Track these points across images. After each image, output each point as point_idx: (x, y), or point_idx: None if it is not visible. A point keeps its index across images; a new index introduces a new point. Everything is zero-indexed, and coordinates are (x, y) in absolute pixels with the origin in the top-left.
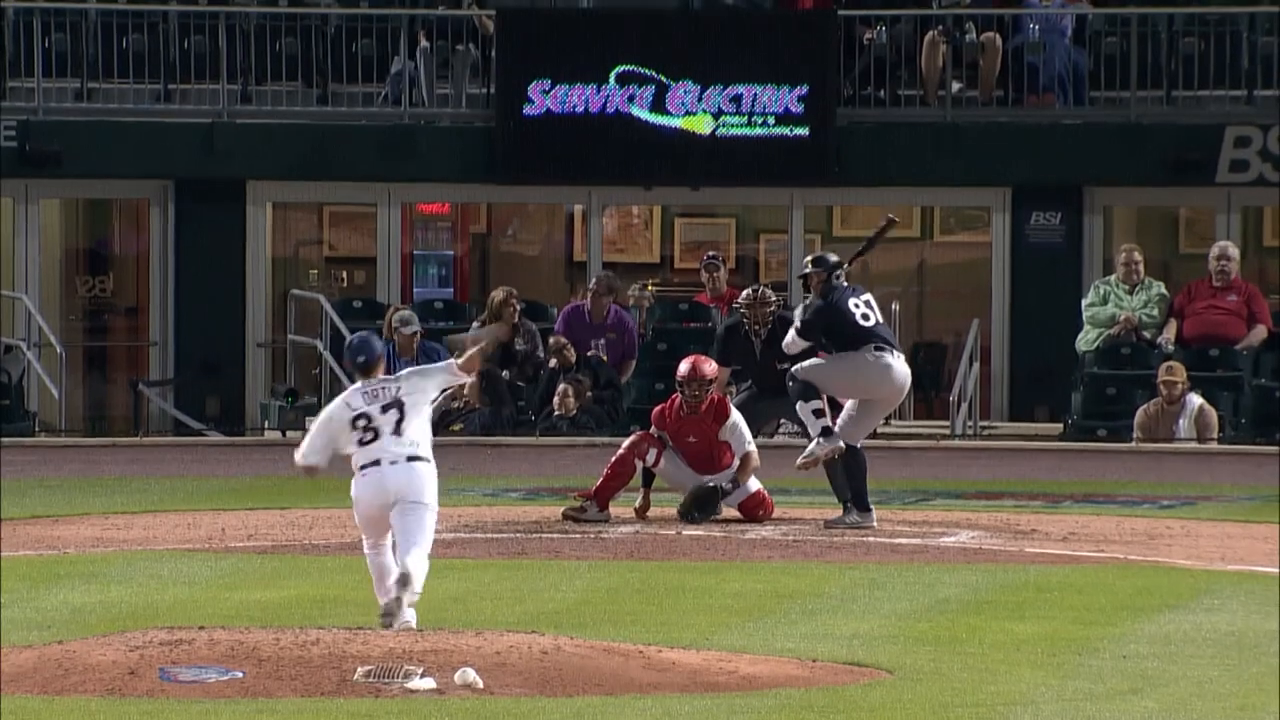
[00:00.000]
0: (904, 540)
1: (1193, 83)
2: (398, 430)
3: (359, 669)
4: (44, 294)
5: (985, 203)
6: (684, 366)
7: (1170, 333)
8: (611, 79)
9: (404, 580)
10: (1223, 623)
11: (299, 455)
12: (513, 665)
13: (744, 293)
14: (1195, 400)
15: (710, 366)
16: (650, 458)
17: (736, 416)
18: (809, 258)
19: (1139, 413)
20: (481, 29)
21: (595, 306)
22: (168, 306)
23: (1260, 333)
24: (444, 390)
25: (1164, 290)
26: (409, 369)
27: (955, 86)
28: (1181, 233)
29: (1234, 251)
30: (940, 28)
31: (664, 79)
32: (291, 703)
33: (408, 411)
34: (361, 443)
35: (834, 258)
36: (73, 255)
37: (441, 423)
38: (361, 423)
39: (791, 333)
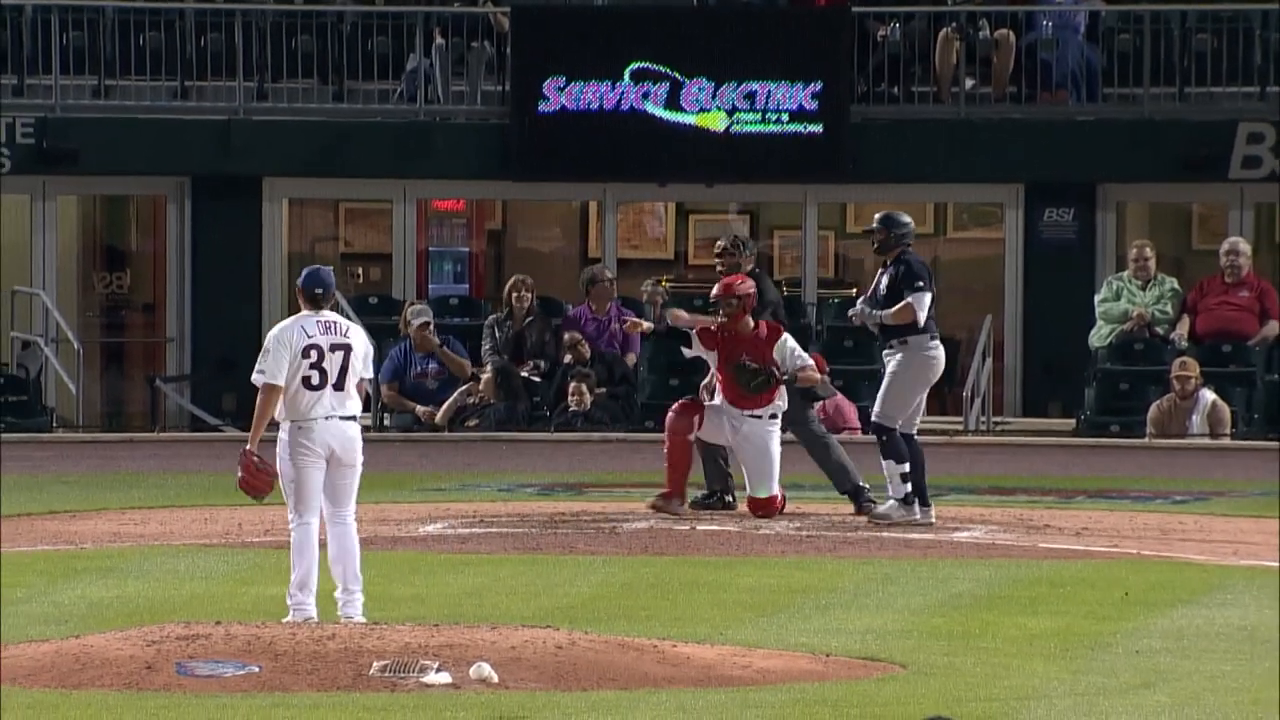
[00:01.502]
0: (917, 535)
1: (1205, 79)
2: (340, 384)
3: (375, 663)
4: (61, 290)
5: (998, 199)
6: (716, 288)
7: (1183, 329)
8: (626, 76)
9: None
10: (1235, 618)
11: (258, 377)
12: (527, 660)
13: (718, 242)
14: (1208, 396)
15: (745, 285)
16: (695, 425)
17: (789, 338)
18: (879, 215)
19: (1152, 408)
20: (496, 26)
21: (595, 303)
22: (184, 302)
23: (1273, 328)
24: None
25: (1177, 286)
26: (355, 326)
27: (969, 83)
28: (1194, 229)
29: (1245, 247)
30: (954, 25)
31: (678, 76)
32: (308, 697)
33: (352, 362)
34: (307, 385)
35: (904, 217)
36: (90, 251)
37: (457, 419)
38: (313, 355)
39: (922, 297)
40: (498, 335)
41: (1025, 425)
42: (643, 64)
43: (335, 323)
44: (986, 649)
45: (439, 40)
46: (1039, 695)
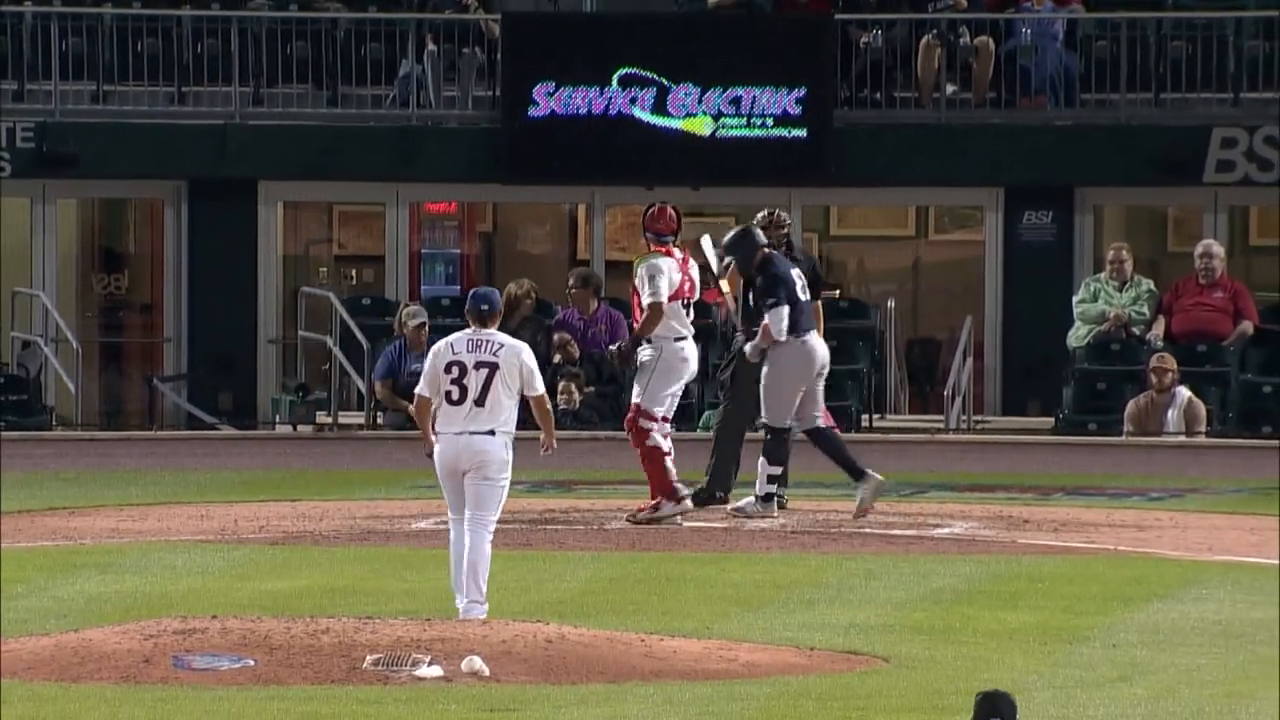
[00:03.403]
0: (899, 531)
1: (1180, 85)
2: (482, 401)
3: (368, 657)
4: (61, 291)
5: (978, 202)
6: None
7: (1159, 329)
8: (614, 81)
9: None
10: (1210, 612)
11: (417, 389)
12: (518, 653)
13: (759, 214)
14: (1184, 393)
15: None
16: (653, 427)
17: (655, 258)
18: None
19: (1130, 405)
20: (487, 33)
21: (579, 304)
22: (181, 303)
23: (1246, 328)
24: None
25: (1153, 287)
26: (516, 346)
27: (949, 89)
28: (1170, 231)
29: (1218, 249)
30: (935, 32)
31: (665, 81)
32: (302, 690)
33: (496, 381)
34: (449, 400)
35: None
36: (89, 253)
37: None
38: (454, 371)
39: (777, 313)
40: None
41: (1005, 424)
42: (630, 70)
43: (487, 342)
44: (966, 643)
45: (431, 46)
46: (1018, 688)
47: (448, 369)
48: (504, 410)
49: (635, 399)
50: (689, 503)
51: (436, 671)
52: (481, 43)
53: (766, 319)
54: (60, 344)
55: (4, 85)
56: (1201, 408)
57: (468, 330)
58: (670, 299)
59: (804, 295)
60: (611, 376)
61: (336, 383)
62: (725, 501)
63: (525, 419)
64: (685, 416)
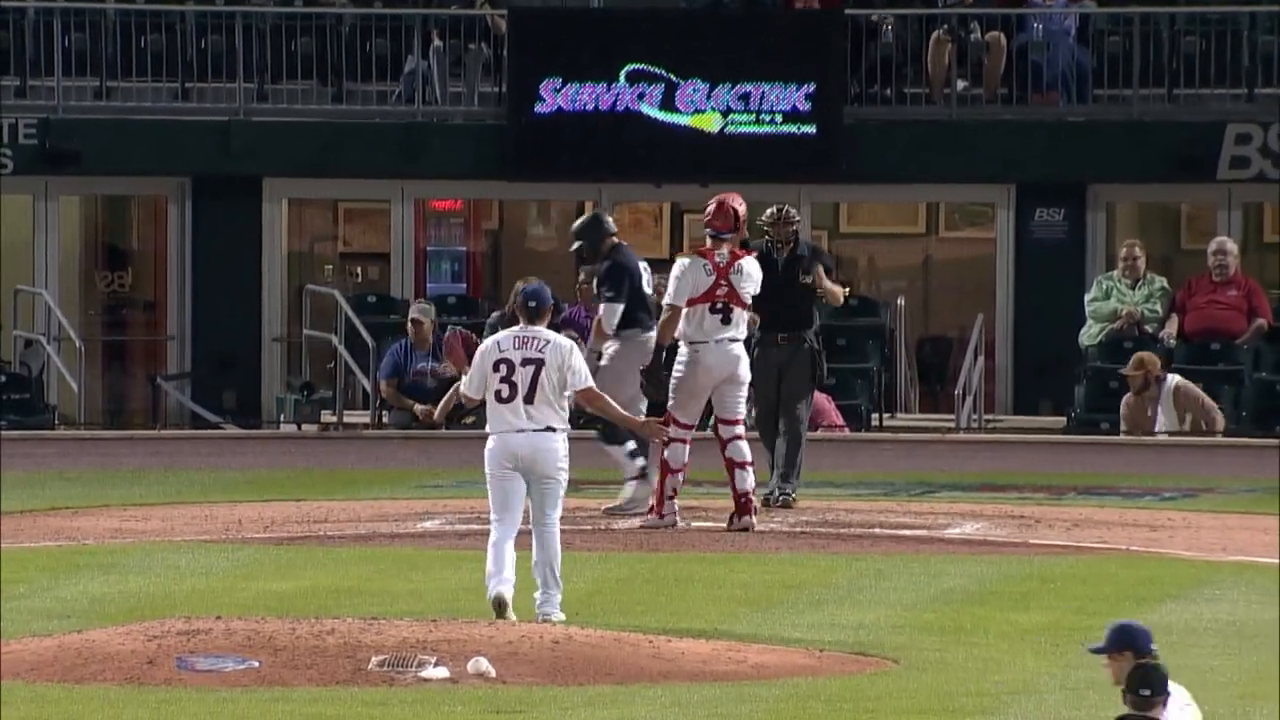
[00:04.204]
0: (909, 531)
1: (1194, 81)
2: (531, 398)
3: (373, 658)
4: (63, 289)
5: (990, 199)
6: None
7: (1172, 327)
8: (621, 77)
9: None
10: (1223, 612)
11: (462, 387)
12: (524, 654)
13: (768, 210)
14: (1171, 382)
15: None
16: (675, 434)
17: (680, 260)
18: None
19: (1122, 404)
20: (493, 28)
21: (590, 300)
22: (185, 301)
23: (1261, 326)
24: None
25: (1166, 285)
26: (563, 343)
27: (960, 85)
28: (1183, 228)
29: (1232, 246)
30: (946, 27)
31: (673, 77)
32: (307, 691)
33: (543, 377)
34: (498, 398)
35: (607, 219)
36: (92, 251)
37: (454, 415)
38: (502, 369)
39: (610, 309)
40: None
41: (1016, 423)
42: (638, 65)
43: (534, 338)
44: (978, 644)
45: (437, 42)
46: (1030, 689)
47: (496, 367)
48: (554, 406)
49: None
50: (679, 522)
51: (442, 673)
52: (488, 38)
53: (601, 312)
54: (63, 342)
55: (6, 81)
56: (1191, 389)
57: (515, 328)
58: (695, 302)
59: (749, 298)
60: None
61: (341, 381)
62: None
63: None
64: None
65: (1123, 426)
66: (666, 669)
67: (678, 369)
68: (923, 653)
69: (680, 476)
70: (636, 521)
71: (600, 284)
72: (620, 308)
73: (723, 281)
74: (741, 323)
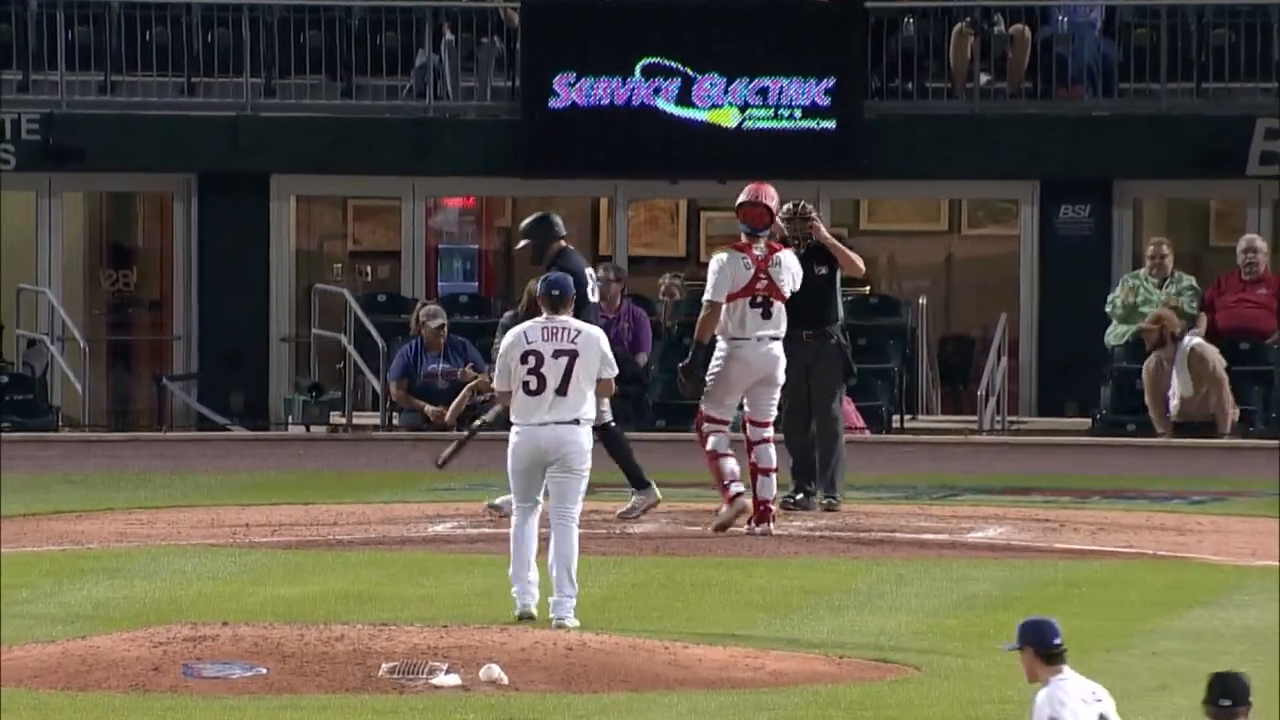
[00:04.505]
0: (931, 536)
1: (1223, 74)
2: (563, 390)
3: (383, 665)
4: (67, 288)
5: (1013, 196)
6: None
7: (1201, 326)
8: (637, 72)
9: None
10: (1253, 619)
11: (493, 384)
12: (537, 661)
13: (784, 206)
14: (1189, 342)
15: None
16: (713, 429)
17: (718, 255)
18: None
19: (1143, 368)
20: (506, 21)
21: (608, 298)
22: (192, 300)
23: None
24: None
25: (1194, 284)
26: (594, 332)
27: (983, 79)
28: (1212, 225)
29: (1261, 244)
30: (968, 19)
31: (690, 72)
32: (315, 699)
33: (577, 368)
34: (527, 390)
35: (555, 218)
36: (96, 249)
37: (465, 417)
38: (531, 361)
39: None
40: None
41: (1041, 424)
42: (654, 59)
43: (563, 328)
44: (1001, 651)
45: (448, 35)
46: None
47: (523, 359)
48: (585, 398)
49: (701, 402)
50: (737, 507)
51: (454, 680)
52: (500, 32)
53: None
54: (67, 342)
55: (9, 75)
56: (1211, 352)
57: (540, 318)
58: (734, 297)
59: (788, 291)
60: (635, 376)
61: (351, 382)
62: (812, 496)
63: None
64: None
65: (1147, 392)
66: (683, 676)
67: (715, 364)
68: (945, 660)
69: (732, 462)
70: (740, 525)
71: None
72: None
73: (762, 275)
74: (782, 319)
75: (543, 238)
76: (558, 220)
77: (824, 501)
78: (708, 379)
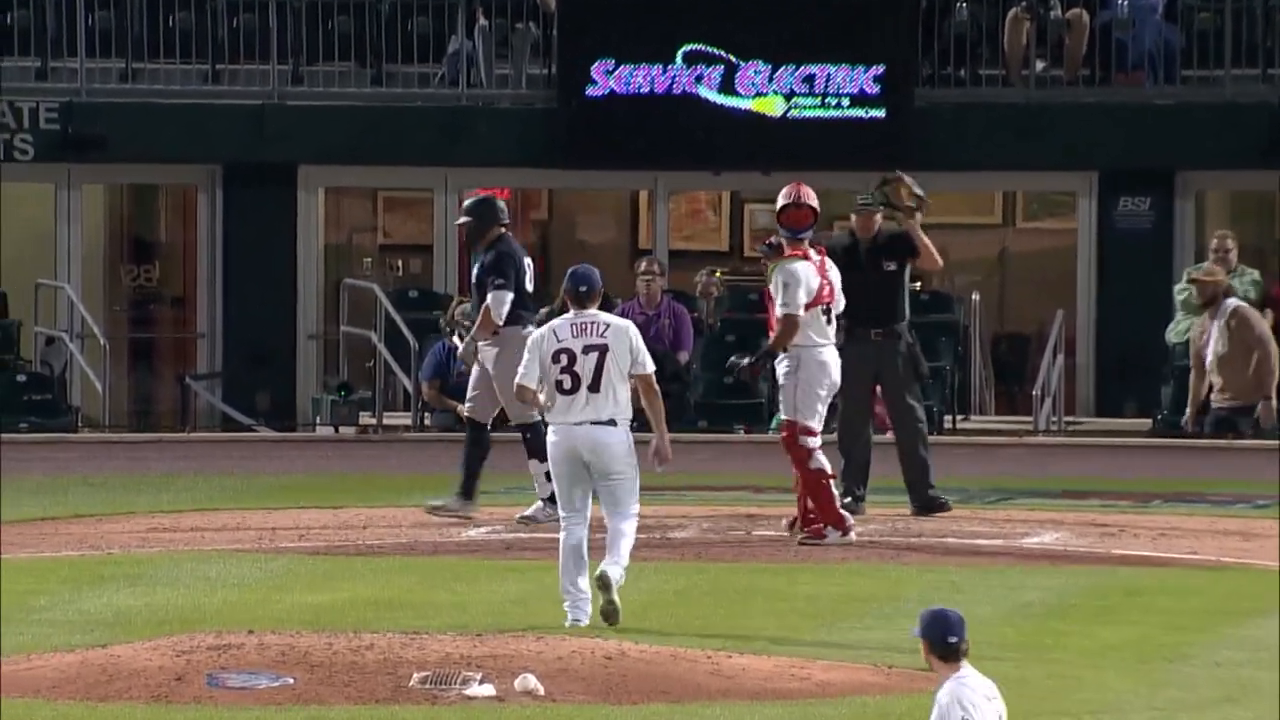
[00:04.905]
0: (985, 541)
1: None
2: (596, 387)
3: (415, 675)
4: (87, 283)
5: (1071, 188)
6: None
7: (1267, 321)
8: (678, 58)
9: (602, 582)
10: None
11: (517, 379)
12: (575, 671)
13: (884, 184)
14: (1233, 303)
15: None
16: (815, 443)
17: (792, 264)
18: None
19: (1190, 344)
20: (543, 6)
21: (648, 293)
22: (216, 296)
23: None
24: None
25: (1259, 278)
26: (624, 325)
27: (1039, 65)
28: (1278, 217)
29: None
30: (1024, 3)
31: (733, 58)
32: (344, 710)
33: (608, 364)
34: (560, 389)
35: (499, 202)
36: (117, 243)
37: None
38: (563, 359)
39: (501, 296)
40: None
41: (1099, 425)
42: (696, 46)
43: (593, 323)
44: (1058, 661)
45: (482, 21)
46: (1113, 710)
47: (555, 358)
48: (620, 394)
49: (786, 415)
50: (854, 535)
51: (488, 691)
52: (536, 17)
53: (489, 300)
54: (87, 340)
55: (27, 63)
56: (1252, 315)
57: (568, 314)
58: (808, 307)
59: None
60: (675, 375)
61: (381, 381)
62: (861, 500)
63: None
64: (758, 419)
65: (1192, 353)
66: (726, 686)
67: (800, 375)
68: (998, 670)
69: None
70: (834, 537)
71: (488, 272)
72: (510, 296)
73: (825, 281)
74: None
75: (484, 219)
76: (503, 205)
77: (940, 500)
78: (798, 391)
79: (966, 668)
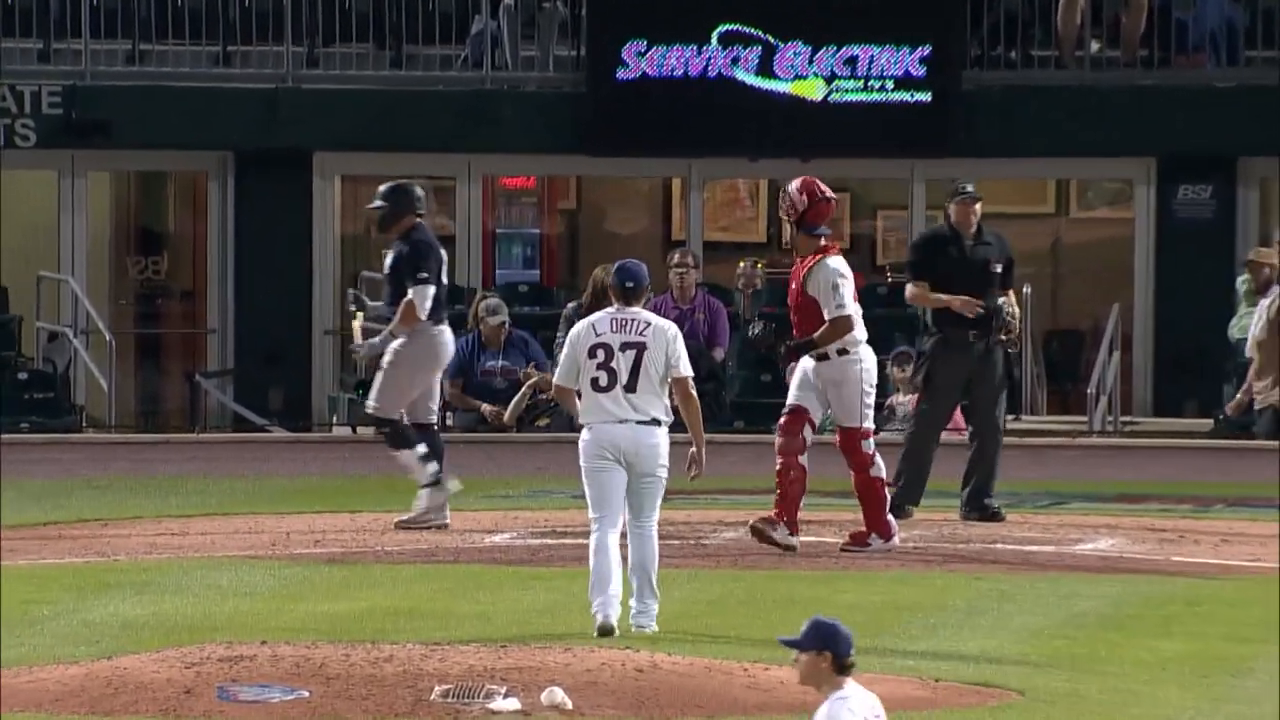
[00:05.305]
0: (1037, 548)
1: None
2: (632, 386)
3: (436, 688)
4: (92, 276)
5: (1128, 174)
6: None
7: None
8: (713, 39)
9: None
10: None
11: (555, 379)
12: (604, 684)
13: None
14: (1276, 290)
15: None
16: (806, 443)
17: (837, 262)
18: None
19: (1249, 339)
20: None
21: (683, 286)
22: (227, 290)
23: None
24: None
25: None
26: (665, 326)
27: (1094, 46)
28: None
29: None
30: None
31: (771, 39)
32: None
33: (646, 362)
34: (595, 386)
35: (417, 190)
36: (123, 234)
37: (526, 417)
38: (599, 355)
39: (424, 291)
40: None
41: (1157, 426)
42: (732, 26)
43: (633, 320)
44: (1113, 674)
45: (507, 0)
46: None
47: (592, 353)
48: (657, 395)
49: (850, 423)
50: (897, 540)
51: (513, 704)
52: None
53: (411, 294)
54: (91, 335)
55: (28, 44)
56: None
57: (610, 309)
58: None
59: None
60: (710, 373)
61: None
62: (909, 515)
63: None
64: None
65: (1249, 345)
66: (762, 700)
67: (865, 376)
68: (1051, 684)
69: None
70: (878, 544)
71: (407, 262)
72: (434, 290)
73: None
74: None
75: (399, 206)
76: (420, 194)
77: (994, 510)
78: (864, 393)
79: (850, 685)
